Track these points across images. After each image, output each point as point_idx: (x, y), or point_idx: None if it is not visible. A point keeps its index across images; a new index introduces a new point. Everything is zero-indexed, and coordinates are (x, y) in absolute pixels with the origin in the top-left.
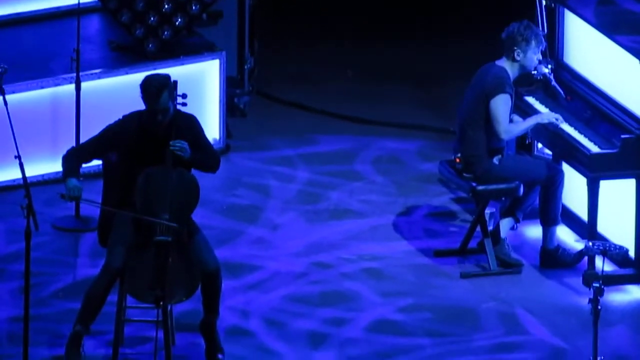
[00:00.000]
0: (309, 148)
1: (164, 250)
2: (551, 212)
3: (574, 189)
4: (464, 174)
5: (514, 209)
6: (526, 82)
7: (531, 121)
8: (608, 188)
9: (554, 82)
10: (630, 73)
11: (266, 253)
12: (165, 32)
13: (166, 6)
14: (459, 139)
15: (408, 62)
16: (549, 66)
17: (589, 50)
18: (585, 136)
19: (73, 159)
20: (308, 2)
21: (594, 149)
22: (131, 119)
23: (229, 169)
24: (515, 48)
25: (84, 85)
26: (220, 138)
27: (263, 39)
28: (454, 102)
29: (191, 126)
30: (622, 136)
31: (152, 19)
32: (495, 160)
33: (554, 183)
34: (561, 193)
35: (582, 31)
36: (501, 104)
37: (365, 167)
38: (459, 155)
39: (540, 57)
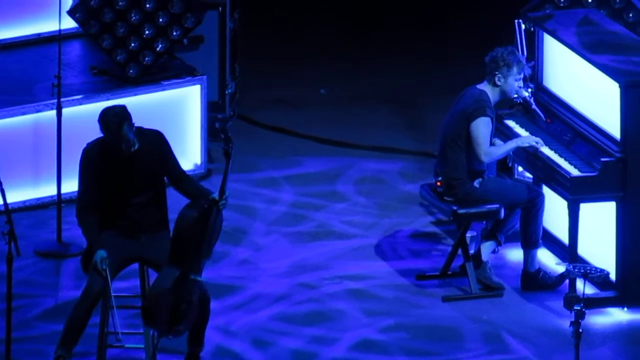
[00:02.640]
0: (292, 170)
1: (194, 288)
2: (532, 235)
3: (554, 211)
4: (445, 198)
5: (495, 231)
6: (507, 104)
7: (511, 144)
8: (588, 211)
9: (534, 106)
10: (609, 96)
11: (250, 274)
12: (147, 57)
13: (147, 31)
14: (440, 161)
15: (389, 86)
16: (529, 89)
17: (568, 73)
18: (566, 159)
19: (90, 222)
20: (289, 26)
21: (574, 172)
22: (92, 148)
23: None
24: (497, 73)
25: (66, 111)
26: (201, 162)
27: (244, 63)
28: (433, 125)
29: (158, 141)
30: (602, 159)
31: (133, 44)
32: (476, 183)
33: (535, 206)
34: (542, 216)
35: (561, 54)
36: (482, 127)
37: (348, 188)
38: (440, 178)
39: (522, 84)
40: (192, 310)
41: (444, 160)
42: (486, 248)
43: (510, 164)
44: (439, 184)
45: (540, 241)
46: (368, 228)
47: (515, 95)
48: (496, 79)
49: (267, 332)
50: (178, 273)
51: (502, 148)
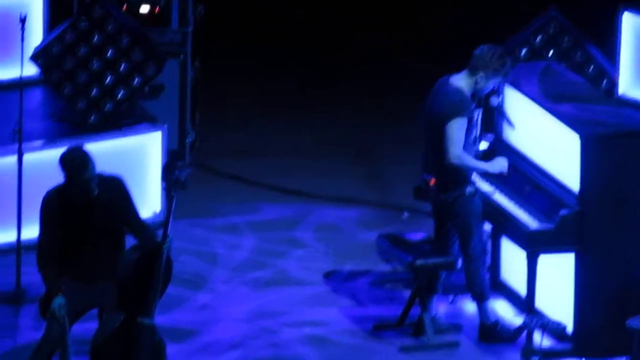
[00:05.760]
0: (250, 216)
1: (143, 332)
2: (477, 287)
3: (512, 263)
4: (439, 194)
5: (434, 282)
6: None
7: (482, 165)
8: (547, 262)
9: (505, 113)
10: (569, 148)
11: (210, 319)
12: (108, 105)
13: (108, 79)
14: (429, 162)
15: (344, 135)
16: (499, 97)
17: (528, 125)
18: (525, 211)
19: (50, 269)
20: (248, 75)
21: (533, 224)
22: (51, 197)
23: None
24: (481, 71)
25: (26, 157)
26: (160, 210)
27: (204, 112)
28: (391, 175)
29: (118, 187)
30: (561, 212)
31: (94, 91)
32: (468, 190)
33: (478, 259)
34: (484, 270)
35: (521, 105)
36: (456, 128)
37: (307, 235)
38: (432, 177)
39: (495, 91)
40: (143, 354)
41: (433, 162)
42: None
43: None
44: (432, 182)
45: (489, 293)
46: (327, 275)
47: (485, 100)
48: (478, 77)
49: None
50: (123, 317)
51: (473, 162)
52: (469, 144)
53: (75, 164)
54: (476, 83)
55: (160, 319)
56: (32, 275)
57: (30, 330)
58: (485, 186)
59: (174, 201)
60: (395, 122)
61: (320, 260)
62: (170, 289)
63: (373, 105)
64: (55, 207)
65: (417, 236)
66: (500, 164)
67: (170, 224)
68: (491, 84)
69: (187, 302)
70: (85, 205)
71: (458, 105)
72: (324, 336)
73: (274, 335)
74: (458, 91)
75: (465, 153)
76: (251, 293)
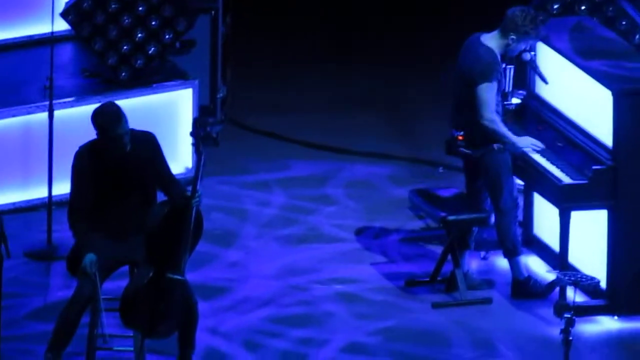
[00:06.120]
0: (281, 173)
1: (173, 287)
2: (508, 242)
3: (545, 218)
4: (463, 150)
5: (466, 237)
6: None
7: (512, 137)
8: (579, 218)
9: (538, 68)
10: (601, 103)
11: (240, 276)
12: (138, 61)
13: (139, 35)
14: (458, 118)
15: (379, 90)
16: (532, 52)
17: (560, 80)
18: (557, 167)
19: (82, 226)
20: (280, 31)
21: (566, 179)
22: (83, 152)
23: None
24: (512, 34)
25: (57, 113)
26: (192, 166)
27: (236, 68)
28: (423, 131)
29: (150, 143)
30: (594, 167)
31: (125, 47)
32: (496, 146)
33: (509, 213)
34: (516, 225)
35: (553, 61)
36: (486, 92)
37: (338, 192)
38: (461, 133)
39: (528, 49)
40: (174, 310)
41: (462, 118)
42: (464, 258)
43: None
44: (460, 138)
45: (520, 249)
46: (358, 232)
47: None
48: (509, 39)
49: (257, 334)
50: (152, 272)
51: (504, 130)
52: (498, 101)
53: (109, 118)
54: (507, 45)
55: (191, 276)
56: (63, 232)
57: (61, 288)
58: (528, 141)
59: (203, 157)
60: (428, 76)
61: (351, 217)
62: (201, 246)
63: (405, 59)
64: (87, 163)
65: (450, 192)
66: (527, 142)
67: (199, 180)
68: (522, 45)
69: (217, 260)
70: (118, 161)
71: (489, 67)
72: (355, 293)
73: (305, 292)
74: (489, 51)
75: (497, 117)
76: (281, 250)
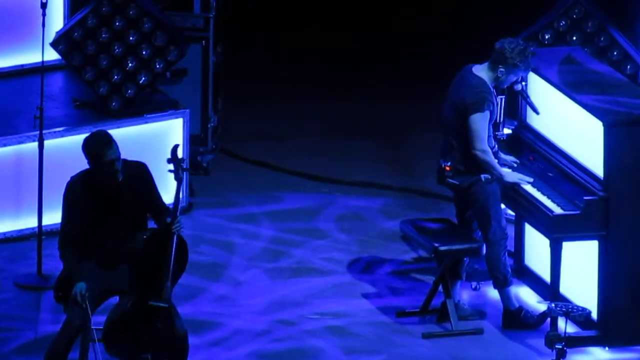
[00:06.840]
0: (272, 205)
1: (159, 315)
2: (499, 273)
3: (536, 249)
4: (450, 180)
5: (457, 267)
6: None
7: (500, 170)
8: (571, 249)
9: (529, 98)
10: (593, 135)
11: (229, 310)
12: (129, 90)
13: (130, 64)
14: (447, 148)
15: (371, 119)
16: (523, 83)
17: (552, 111)
18: (548, 197)
19: (72, 255)
20: (272, 60)
21: (557, 210)
22: (75, 183)
23: (192, 226)
24: (501, 66)
25: (47, 143)
26: (183, 196)
27: (227, 97)
28: (414, 161)
29: (142, 173)
30: (585, 198)
31: (115, 76)
32: (483, 177)
33: (498, 244)
34: (505, 256)
35: (545, 92)
36: (479, 121)
37: (329, 225)
38: (448, 163)
39: (519, 80)
40: (160, 339)
41: (451, 148)
42: (455, 288)
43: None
44: (447, 168)
45: (511, 279)
46: (348, 265)
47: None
48: (499, 72)
49: None
50: (134, 299)
51: (494, 163)
52: (491, 132)
53: (100, 143)
54: (497, 77)
55: (179, 310)
56: (53, 263)
57: (50, 323)
58: (516, 176)
59: (182, 183)
60: (419, 108)
61: (342, 250)
62: (187, 280)
63: (396, 90)
64: (79, 193)
65: (441, 222)
66: (515, 177)
67: (179, 206)
68: (513, 78)
69: (206, 293)
70: (110, 191)
71: (482, 97)
72: (345, 327)
73: (294, 326)
74: (481, 82)
75: (489, 150)
76: (271, 283)
